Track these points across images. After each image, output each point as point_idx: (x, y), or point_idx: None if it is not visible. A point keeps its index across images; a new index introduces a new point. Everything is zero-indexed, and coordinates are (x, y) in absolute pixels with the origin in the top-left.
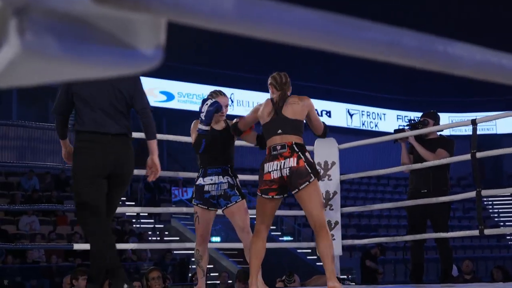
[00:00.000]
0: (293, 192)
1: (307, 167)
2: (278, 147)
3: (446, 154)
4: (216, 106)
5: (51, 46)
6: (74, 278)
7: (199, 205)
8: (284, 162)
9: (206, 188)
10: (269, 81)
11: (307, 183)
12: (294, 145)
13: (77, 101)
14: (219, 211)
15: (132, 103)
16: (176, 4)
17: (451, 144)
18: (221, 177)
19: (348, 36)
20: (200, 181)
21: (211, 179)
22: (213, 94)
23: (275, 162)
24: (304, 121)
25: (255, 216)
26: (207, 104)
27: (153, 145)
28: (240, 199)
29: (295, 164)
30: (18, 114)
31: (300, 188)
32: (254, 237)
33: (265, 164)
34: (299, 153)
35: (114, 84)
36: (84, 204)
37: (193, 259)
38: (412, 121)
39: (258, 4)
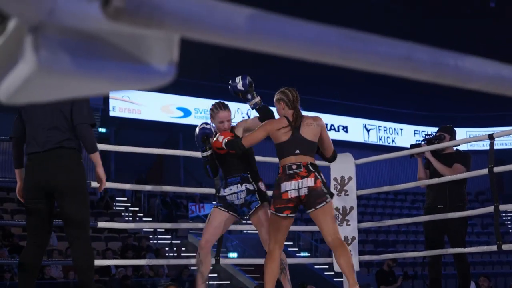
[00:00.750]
0: (308, 211)
1: (323, 187)
2: (294, 166)
3: (462, 169)
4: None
5: (65, 62)
6: None
7: (218, 207)
8: (302, 182)
9: (228, 198)
10: (278, 96)
11: (324, 203)
12: (309, 165)
13: (25, 124)
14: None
15: (71, 119)
16: (188, 20)
17: (467, 158)
18: (239, 185)
19: (360, 51)
20: (222, 192)
21: (231, 189)
22: (213, 108)
23: (293, 182)
24: None
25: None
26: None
27: (95, 158)
28: (259, 203)
29: (313, 184)
30: None
31: (317, 207)
32: (268, 257)
33: (281, 184)
34: (315, 173)
35: (55, 103)
36: (27, 221)
37: (210, 275)
38: (429, 136)
39: (270, 19)
